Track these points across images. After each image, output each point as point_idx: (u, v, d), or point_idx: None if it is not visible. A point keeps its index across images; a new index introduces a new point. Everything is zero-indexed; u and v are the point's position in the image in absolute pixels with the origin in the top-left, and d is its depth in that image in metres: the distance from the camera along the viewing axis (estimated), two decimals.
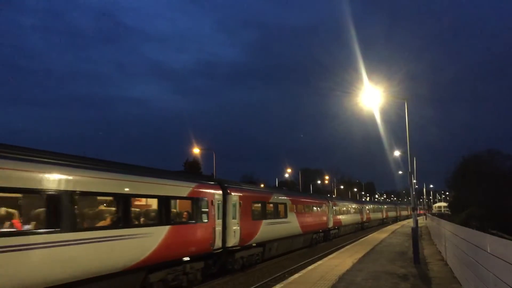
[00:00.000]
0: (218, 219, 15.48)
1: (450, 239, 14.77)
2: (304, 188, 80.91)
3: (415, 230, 17.45)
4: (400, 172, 72.26)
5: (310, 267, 15.78)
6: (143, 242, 11.15)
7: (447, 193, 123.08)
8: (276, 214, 21.78)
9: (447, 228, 16.41)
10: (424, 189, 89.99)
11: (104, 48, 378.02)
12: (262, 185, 45.44)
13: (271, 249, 21.04)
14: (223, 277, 15.96)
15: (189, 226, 13.70)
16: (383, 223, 62.85)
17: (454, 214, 60.29)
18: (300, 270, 15.50)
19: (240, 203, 17.19)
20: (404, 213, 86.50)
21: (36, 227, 8.31)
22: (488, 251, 7.06)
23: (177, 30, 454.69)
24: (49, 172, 8.62)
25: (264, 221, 19.64)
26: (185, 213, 13.86)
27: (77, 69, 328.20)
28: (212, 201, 15.04)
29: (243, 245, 17.35)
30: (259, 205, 19.82)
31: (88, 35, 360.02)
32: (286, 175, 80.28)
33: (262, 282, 15.25)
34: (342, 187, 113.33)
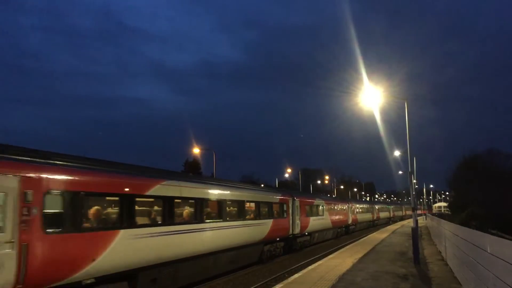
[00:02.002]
0: (290, 216, 23.32)
1: (450, 239, 14.77)
2: (304, 188, 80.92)
3: (415, 230, 17.44)
4: (400, 172, 72.20)
5: (310, 267, 15.79)
6: (263, 228, 19.48)
7: (447, 193, 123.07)
8: (317, 213, 29.64)
9: (447, 228, 16.41)
10: (424, 189, 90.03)
11: (104, 48, 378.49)
12: (262, 185, 45.39)
13: (314, 237, 29.15)
14: (290, 254, 23.88)
15: (279, 220, 21.69)
16: (390, 221, 69.05)
17: (454, 214, 60.20)
18: (300, 270, 15.52)
19: (300, 205, 25.13)
20: (409, 212, 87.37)
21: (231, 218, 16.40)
22: (488, 251, 7.06)
23: (177, 30, 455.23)
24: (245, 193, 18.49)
25: (311, 218, 27.61)
26: (276, 212, 21.59)
27: (77, 69, 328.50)
28: (288, 205, 23.10)
29: (301, 234, 25.61)
30: (309, 206, 27.66)
31: (88, 35, 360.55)
32: (286, 175, 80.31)
33: (262, 282, 15.26)
34: (342, 187, 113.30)
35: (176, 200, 12.67)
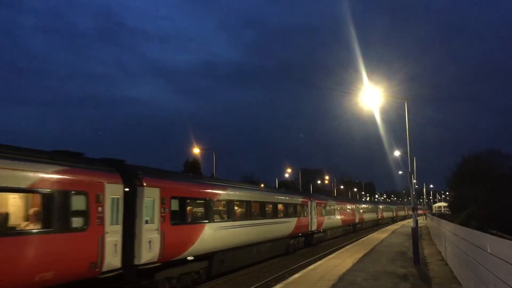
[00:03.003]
0: (309, 215, 27.37)
1: (450, 239, 14.77)
2: (304, 188, 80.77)
3: (415, 230, 17.44)
4: (400, 172, 72.08)
5: (310, 267, 15.79)
6: (290, 225, 23.46)
7: (447, 193, 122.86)
8: (330, 213, 33.61)
9: (447, 228, 16.41)
10: (424, 189, 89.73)
11: (104, 48, 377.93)
12: (262, 185, 45.39)
13: (327, 234, 33.30)
14: (309, 248, 27.83)
15: (301, 218, 25.65)
16: (393, 220, 72.96)
17: (454, 214, 60.20)
18: (300, 270, 15.51)
19: (316, 206, 29.14)
20: (411, 212, 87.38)
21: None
22: (488, 251, 7.06)
23: (178, 30, 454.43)
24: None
25: (326, 217, 31.73)
26: (299, 211, 25.48)
27: (77, 69, 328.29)
28: (307, 205, 27.19)
29: (317, 230, 29.62)
30: (323, 207, 31.70)
31: (89, 35, 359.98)
32: (286, 175, 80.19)
33: (262, 282, 15.26)
34: (342, 187, 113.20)
35: (235, 202, 16.99)
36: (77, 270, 9.23)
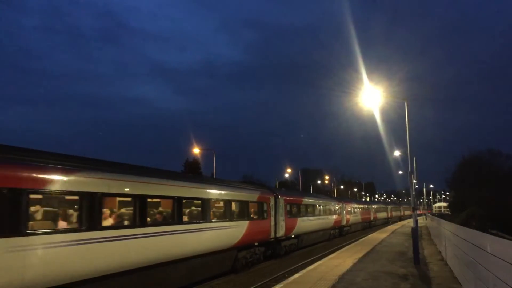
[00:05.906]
0: (341, 214, 37.74)
1: (450, 239, 14.76)
2: (304, 188, 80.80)
3: (415, 230, 17.42)
4: (400, 172, 71.94)
5: (310, 267, 15.78)
6: (331, 220, 34.27)
7: (447, 193, 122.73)
8: (353, 212, 44.21)
9: (447, 228, 16.40)
10: (424, 189, 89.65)
11: (105, 48, 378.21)
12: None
13: (351, 228, 42.81)
14: (339, 237, 37.03)
15: (338, 216, 36.05)
16: (400, 219, 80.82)
17: (454, 214, 60.17)
18: (300, 270, 15.50)
19: (346, 207, 39.69)
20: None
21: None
22: (488, 251, 7.05)
23: (178, 30, 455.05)
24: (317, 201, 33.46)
25: (351, 215, 41.99)
26: (336, 211, 35.95)
27: (77, 69, 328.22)
28: (342, 207, 37.92)
29: (346, 225, 39.93)
30: (349, 207, 42.29)
31: (89, 35, 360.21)
32: (286, 175, 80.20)
33: (262, 282, 15.25)
34: (342, 187, 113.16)
35: (308, 205, 28.00)
36: (264, 237, 19.70)
